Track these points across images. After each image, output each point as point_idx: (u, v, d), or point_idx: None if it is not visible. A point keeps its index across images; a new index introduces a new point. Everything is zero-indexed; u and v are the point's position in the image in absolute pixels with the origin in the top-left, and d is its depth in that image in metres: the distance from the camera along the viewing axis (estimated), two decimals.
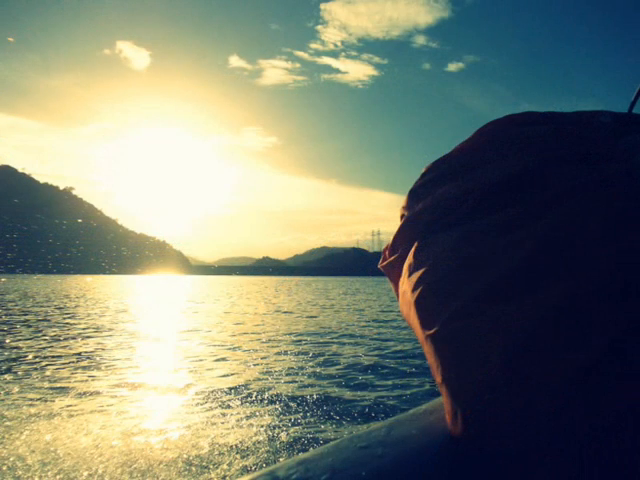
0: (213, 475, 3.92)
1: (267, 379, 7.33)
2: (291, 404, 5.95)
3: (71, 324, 14.27)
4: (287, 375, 7.61)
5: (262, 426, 5.09)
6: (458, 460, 0.47)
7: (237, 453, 4.36)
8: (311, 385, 6.97)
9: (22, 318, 15.65)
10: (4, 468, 3.91)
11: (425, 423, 0.56)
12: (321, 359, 9.05)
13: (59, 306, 21.90)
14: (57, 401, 5.92)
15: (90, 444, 4.50)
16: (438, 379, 0.47)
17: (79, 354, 9.22)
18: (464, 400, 0.44)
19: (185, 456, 4.28)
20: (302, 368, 8.14)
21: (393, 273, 0.66)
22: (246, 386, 6.85)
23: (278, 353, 9.75)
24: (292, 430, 4.99)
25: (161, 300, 31.96)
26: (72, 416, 5.34)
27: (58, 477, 3.80)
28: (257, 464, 4.14)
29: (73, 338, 11.34)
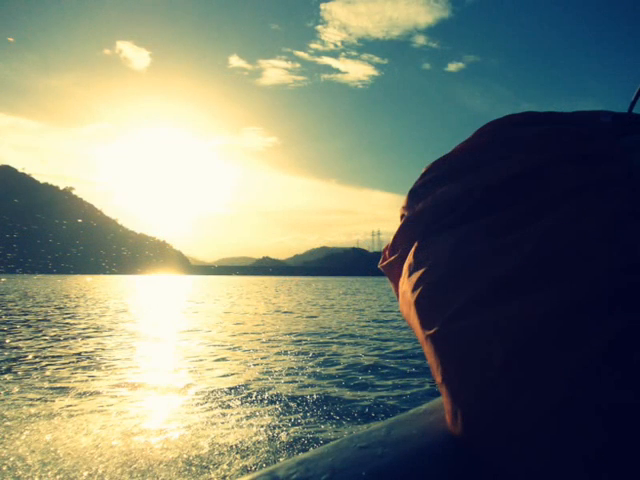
0: (213, 475, 3.92)
1: (267, 379, 7.33)
2: (291, 404, 5.95)
3: (71, 324, 14.26)
4: (287, 375, 7.61)
5: (262, 426, 5.09)
6: (458, 460, 0.47)
7: (237, 453, 4.36)
8: (311, 385, 6.97)
9: (22, 318, 15.65)
10: (4, 468, 3.91)
11: (425, 423, 0.56)
12: (321, 359, 9.05)
13: (59, 306, 21.90)
14: (57, 401, 5.92)
15: (90, 444, 4.50)
16: (438, 379, 0.47)
17: (79, 354, 9.22)
18: (464, 400, 0.44)
19: (185, 456, 4.28)
20: (302, 368, 8.14)
21: (393, 273, 0.66)
22: (246, 386, 6.85)
23: (278, 353, 9.75)
24: (292, 430, 4.99)
25: (161, 300, 31.96)
26: (72, 416, 5.34)
27: (58, 477, 3.80)
28: (257, 464, 4.14)
29: (73, 338, 11.34)
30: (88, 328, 13.21)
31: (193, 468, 4.03)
